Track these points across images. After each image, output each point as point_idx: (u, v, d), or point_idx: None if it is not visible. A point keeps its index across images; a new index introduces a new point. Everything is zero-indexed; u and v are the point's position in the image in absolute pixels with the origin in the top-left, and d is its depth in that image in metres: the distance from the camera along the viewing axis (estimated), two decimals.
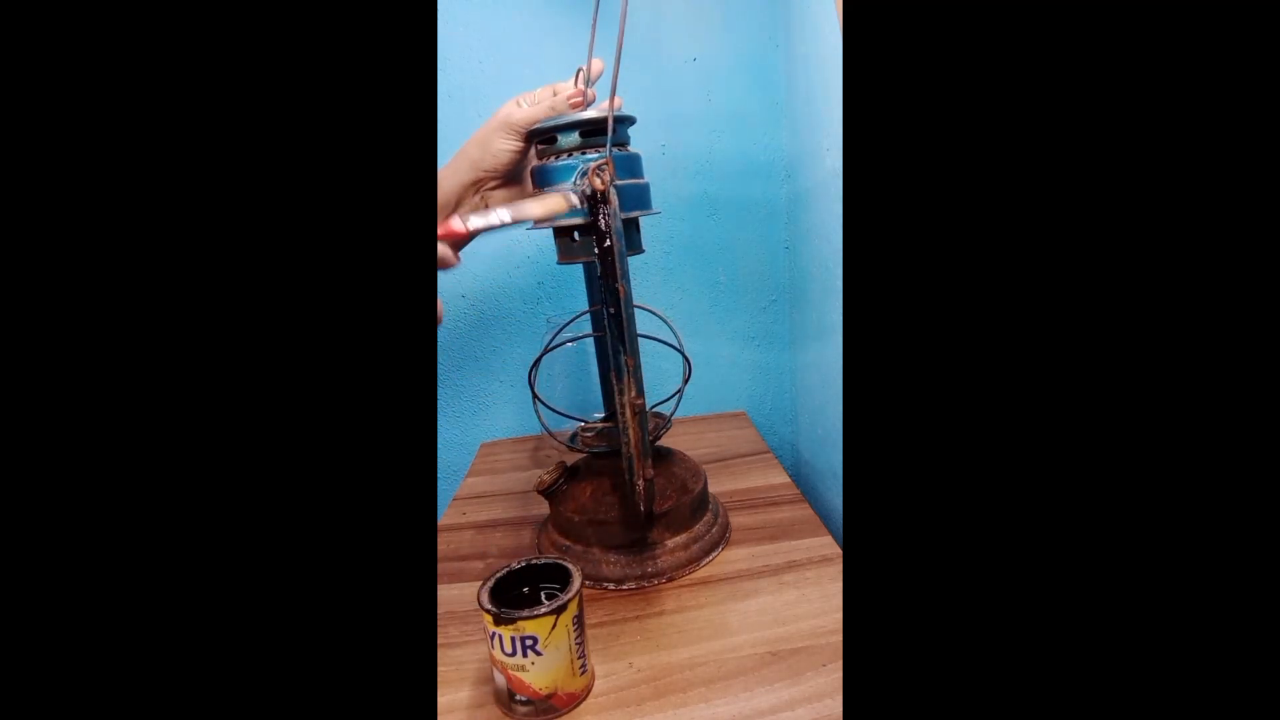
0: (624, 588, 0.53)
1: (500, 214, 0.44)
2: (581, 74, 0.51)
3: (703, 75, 0.82)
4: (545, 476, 0.58)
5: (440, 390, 0.88)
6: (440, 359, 0.86)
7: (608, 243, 0.45)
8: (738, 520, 0.62)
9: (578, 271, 0.86)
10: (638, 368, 0.48)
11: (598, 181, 0.44)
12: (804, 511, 0.62)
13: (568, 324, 0.65)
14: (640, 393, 0.49)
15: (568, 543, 0.57)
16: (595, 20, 0.52)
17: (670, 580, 0.54)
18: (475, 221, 0.43)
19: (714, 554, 0.57)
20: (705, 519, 0.58)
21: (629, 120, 0.50)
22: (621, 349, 0.47)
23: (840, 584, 0.51)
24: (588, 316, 0.62)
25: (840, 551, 0.56)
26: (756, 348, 0.92)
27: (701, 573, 0.55)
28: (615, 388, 0.48)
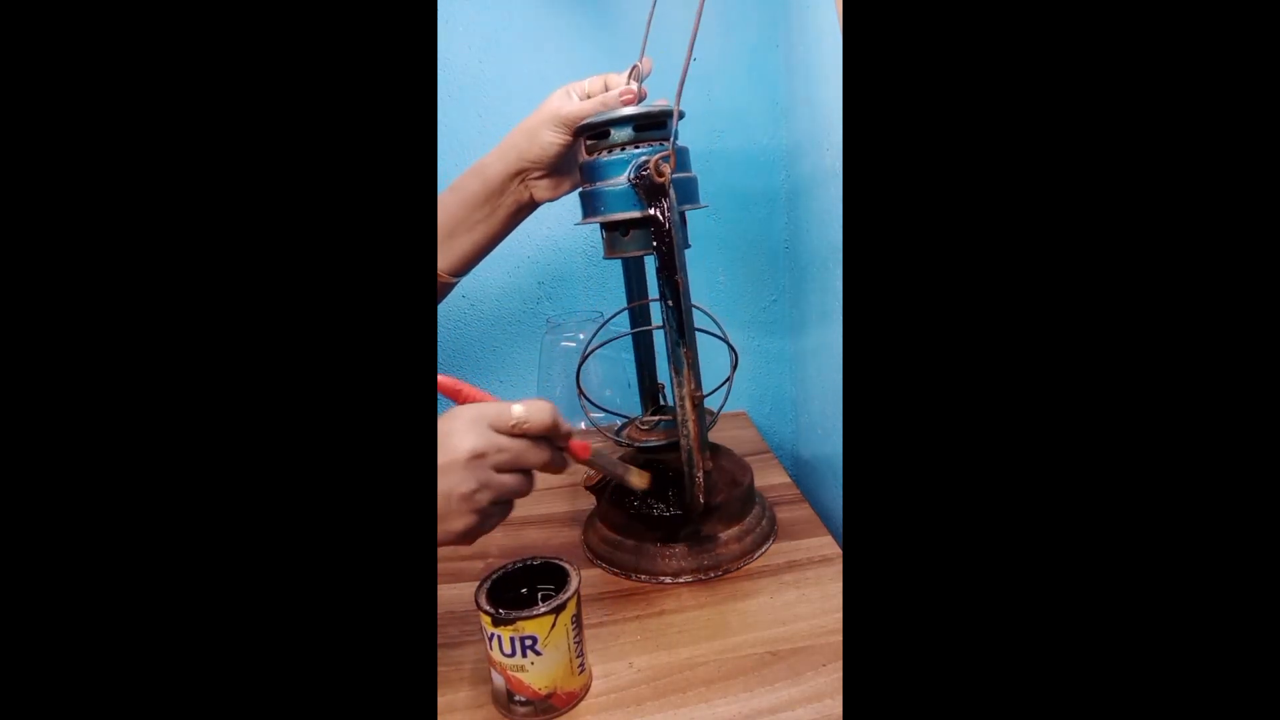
0: (681, 580, 0.53)
1: (616, 461, 0.51)
2: (636, 70, 0.51)
3: (703, 75, 0.82)
4: (594, 473, 0.57)
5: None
6: (440, 359, 0.86)
7: (668, 236, 0.45)
8: None
9: (578, 272, 0.86)
10: (696, 360, 0.48)
11: (659, 174, 0.44)
12: (804, 511, 0.62)
13: (611, 319, 0.64)
14: (699, 385, 0.48)
15: (620, 538, 0.56)
16: (650, 19, 0.53)
17: (727, 573, 0.54)
18: (599, 452, 0.48)
19: (766, 546, 0.56)
20: (754, 512, 0.58)
21: (680, 115, 0.50)
22: (680, 341, 0.47)
23: (840, 584, 0.51)
24: (625, 314, 0.62)
25: (840, 551, 0.55)
26: (756, 348, 0.92)
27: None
28: (674, 380, 0.48)
